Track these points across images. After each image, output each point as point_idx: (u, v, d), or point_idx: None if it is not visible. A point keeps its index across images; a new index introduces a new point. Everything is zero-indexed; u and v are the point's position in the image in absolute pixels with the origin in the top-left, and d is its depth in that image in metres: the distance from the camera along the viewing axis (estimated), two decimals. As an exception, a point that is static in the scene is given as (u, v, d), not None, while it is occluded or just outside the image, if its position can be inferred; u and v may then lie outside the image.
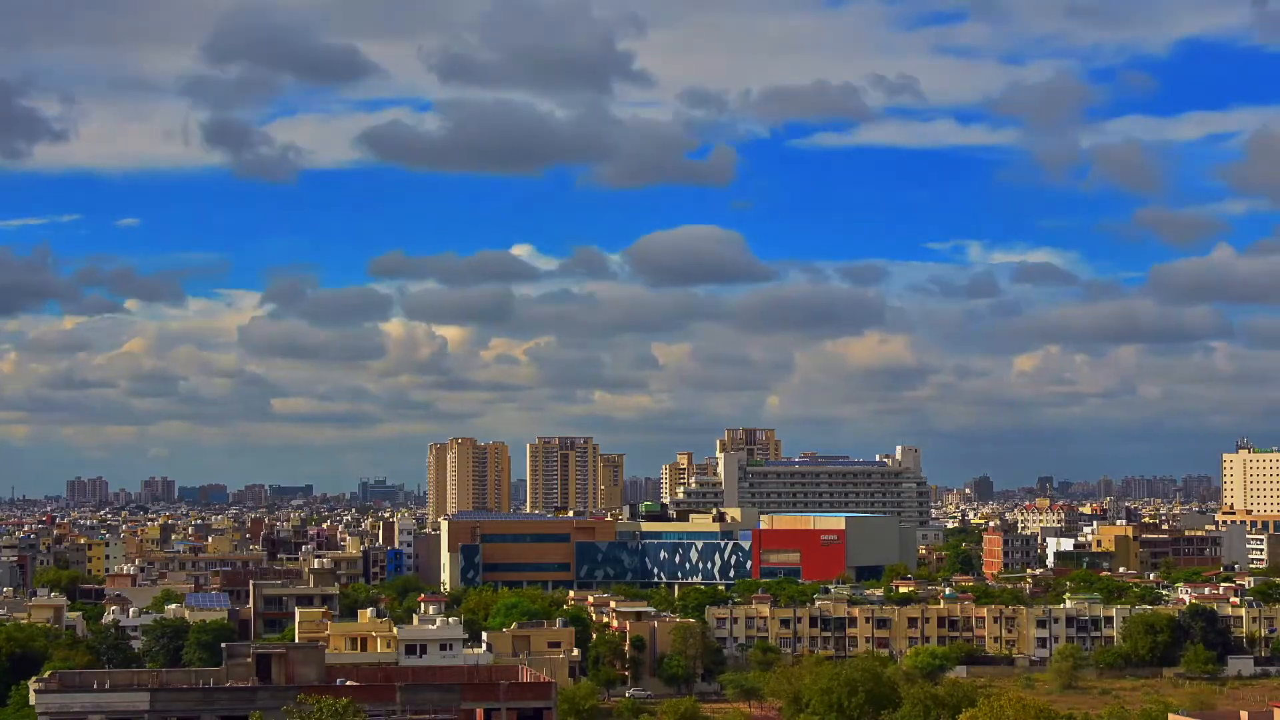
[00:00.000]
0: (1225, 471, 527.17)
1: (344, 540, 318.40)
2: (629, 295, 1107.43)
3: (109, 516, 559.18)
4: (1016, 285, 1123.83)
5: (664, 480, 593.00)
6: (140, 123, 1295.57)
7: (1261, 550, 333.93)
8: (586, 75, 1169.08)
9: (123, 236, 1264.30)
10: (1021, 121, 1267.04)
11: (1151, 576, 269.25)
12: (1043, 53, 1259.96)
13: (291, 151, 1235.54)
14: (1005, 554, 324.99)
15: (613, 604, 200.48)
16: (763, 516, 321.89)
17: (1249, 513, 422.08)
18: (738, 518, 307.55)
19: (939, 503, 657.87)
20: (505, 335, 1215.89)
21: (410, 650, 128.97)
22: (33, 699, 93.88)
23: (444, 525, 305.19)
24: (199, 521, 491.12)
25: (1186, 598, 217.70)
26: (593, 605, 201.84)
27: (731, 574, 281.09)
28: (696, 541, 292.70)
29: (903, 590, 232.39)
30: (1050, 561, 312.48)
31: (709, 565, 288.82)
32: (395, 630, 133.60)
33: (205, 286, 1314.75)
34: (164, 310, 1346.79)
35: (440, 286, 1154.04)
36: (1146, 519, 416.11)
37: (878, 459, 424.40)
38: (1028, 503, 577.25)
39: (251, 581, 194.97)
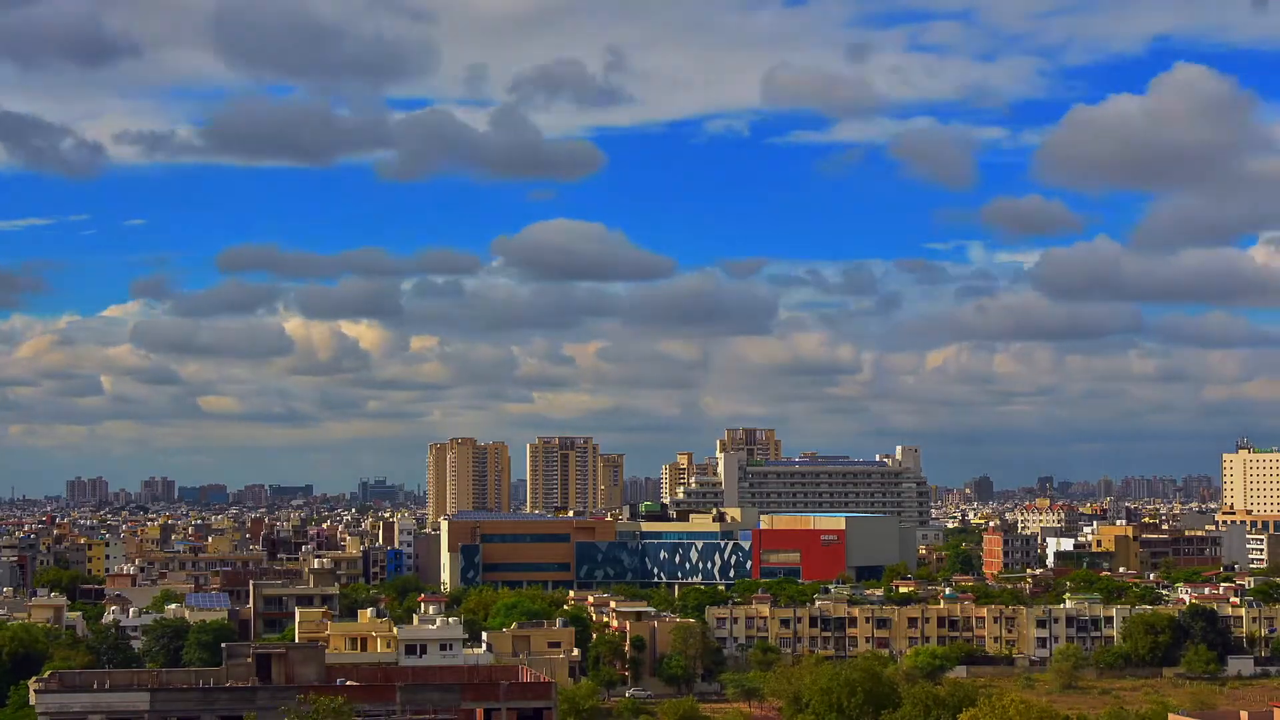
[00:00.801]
0: (1225, 471, 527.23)
1: (344, 540, 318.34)
2: (507, 291, 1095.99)
3: (109, 516, 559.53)
4: (891, 281, 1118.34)
5: (664, 480, 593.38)
6: None
7: (1261, 550, 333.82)
8: (345, 63, 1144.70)
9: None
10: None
11: (1151, 576, 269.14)
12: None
13: (85, 147, 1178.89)
14: (1005, 554, 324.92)
15: (613, 604, 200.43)
16: (763, 516, 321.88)
17: (1249, 513, 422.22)
18: (738, 518, 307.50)
19: (939, 503, 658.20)
20: (408, 332, 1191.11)
21: (410, 650, 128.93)
22: (33, 699, 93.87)
23: (444, 525, 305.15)
24: (199, 521, 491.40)
25: (1186, 598, 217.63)
26: (593, 605, 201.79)
27: (731, 574, 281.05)
28: (696, 541, 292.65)
29: (903, 590, 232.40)
30: (1050, 561, 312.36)
31: (709, 565, 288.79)
32: (395, 630, 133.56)
33: (69, 286, 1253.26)
34: (38, 311, 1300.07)
35: (314, 283, 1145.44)
36: (1146, 519, 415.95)
37: (878, 459, 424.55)
38: (1027, 503, 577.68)
39: (251, 581, 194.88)
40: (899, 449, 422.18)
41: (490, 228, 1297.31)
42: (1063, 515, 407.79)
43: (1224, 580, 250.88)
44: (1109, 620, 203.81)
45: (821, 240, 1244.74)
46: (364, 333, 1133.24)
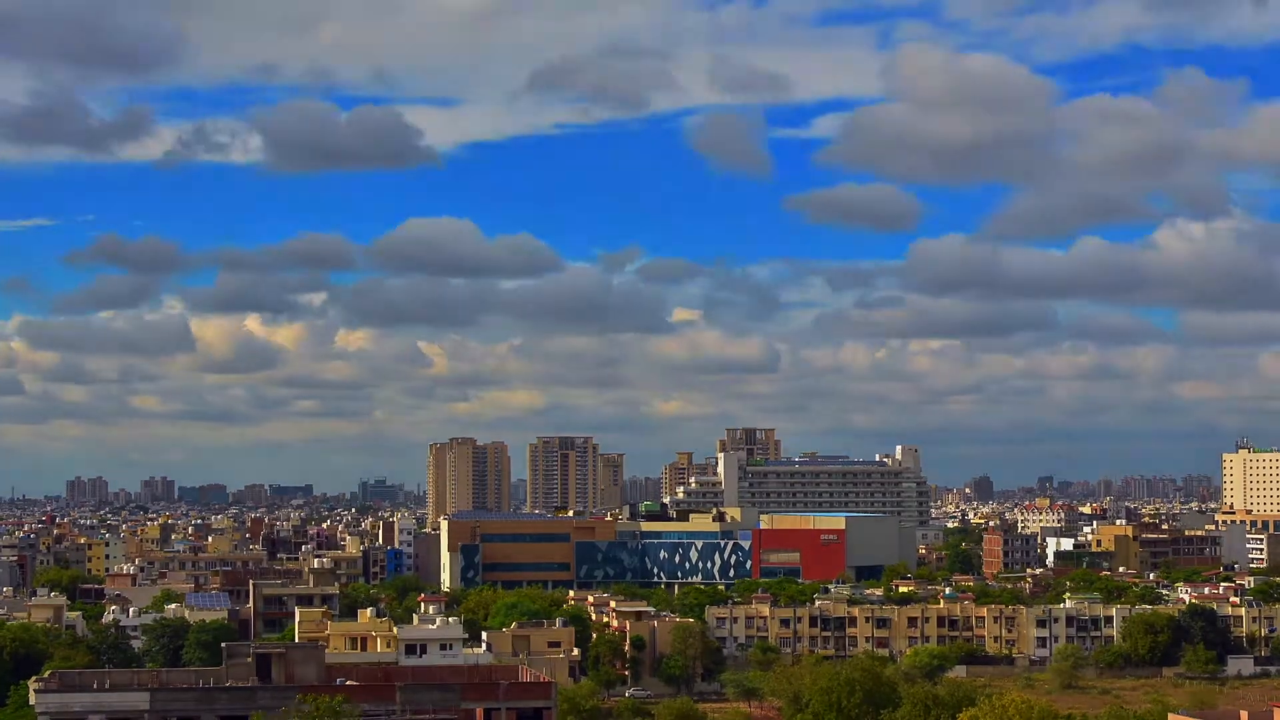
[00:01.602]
0: (1225, 471, 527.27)
1: (344, 540, 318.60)
2: (384, 287, 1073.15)
3: (109, 516, 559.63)
4: (762, 275, 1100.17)
5: (664, 480, 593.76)
6: None
7: (1261, 550, 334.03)
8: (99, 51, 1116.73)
9: None
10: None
11: (1151, 576, 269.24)
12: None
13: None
14: (1005, 554, 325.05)
15: (613, 604, 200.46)
16: (763, 516, 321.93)
17: (1249, 513, 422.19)
18: (738, 518, 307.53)
19: (939, 502, 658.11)
20: (305, 328, 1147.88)
21: (410, 650, 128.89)
22: (33, 699, 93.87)
23: (444, 525, 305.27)
24: (199, 521, 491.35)
25: (1186, 597, 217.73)
26: (593, 605, 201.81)
27: (731, 574, 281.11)
28: (696, 541, 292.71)
29: (903, 590, 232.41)
30: (1050, 561, 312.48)
31: (709, 565, 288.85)
32: (395, 630, 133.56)
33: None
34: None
35: (184, 279, 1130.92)
36: (1146, 519, 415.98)
37: (878, 459, 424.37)
38: (1027, 502, 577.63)
39: (251, 581, 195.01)
40: (899, 449, 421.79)
41: (347, 221, 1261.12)
42: (1062, 515, 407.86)
43: (1224, 580, 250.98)
44: (1109, 620, 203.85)
45: (690, 235, 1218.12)
46: (261, 329, 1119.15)
